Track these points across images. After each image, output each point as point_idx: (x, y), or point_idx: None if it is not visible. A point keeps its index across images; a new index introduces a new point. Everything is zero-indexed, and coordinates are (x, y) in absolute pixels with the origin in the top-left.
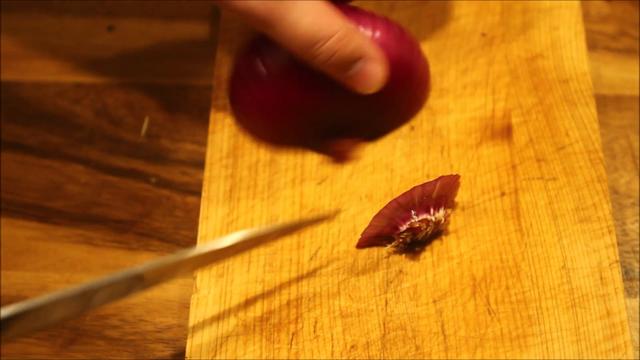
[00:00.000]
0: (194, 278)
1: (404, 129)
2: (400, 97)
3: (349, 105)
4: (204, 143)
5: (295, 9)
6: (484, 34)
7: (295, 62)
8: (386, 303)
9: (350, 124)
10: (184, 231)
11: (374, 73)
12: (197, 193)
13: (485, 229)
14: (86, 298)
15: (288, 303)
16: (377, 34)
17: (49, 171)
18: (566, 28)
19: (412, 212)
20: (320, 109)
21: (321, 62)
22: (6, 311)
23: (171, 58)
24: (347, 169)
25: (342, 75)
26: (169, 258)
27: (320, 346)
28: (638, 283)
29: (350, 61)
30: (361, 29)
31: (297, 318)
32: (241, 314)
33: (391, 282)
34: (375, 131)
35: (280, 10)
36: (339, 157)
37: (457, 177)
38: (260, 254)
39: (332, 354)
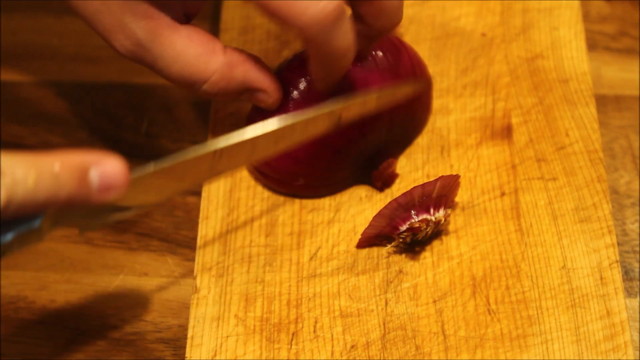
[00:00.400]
0: (194, 278)
1: None
2: (417, 108)
3: (379, 132)
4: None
5: (162, 57)
6: (484, 34)
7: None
8: (386, 303)
9: (382, 148)
10: (184, 231)
11: (263, 100)
12: (197, 193)
13: (485, 229)
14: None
15: (288, 303)
16: (380, 53)
17: None
18: (566, 28)
19: (412, 212)
20: (354, 143)
21: (210, 98)
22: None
23: None
24: None
25: (237, 98)
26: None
27: (320, 346)
28: (638, 283)
29: (236, 94)
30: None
31: (297, 318)
32: (241, 314)
33: (391, 282)
34: (403, 145)
35: (147, 59)
36: (387, 180)
37: (457, 177)
38: (260, 253)
39: (332, 354)
